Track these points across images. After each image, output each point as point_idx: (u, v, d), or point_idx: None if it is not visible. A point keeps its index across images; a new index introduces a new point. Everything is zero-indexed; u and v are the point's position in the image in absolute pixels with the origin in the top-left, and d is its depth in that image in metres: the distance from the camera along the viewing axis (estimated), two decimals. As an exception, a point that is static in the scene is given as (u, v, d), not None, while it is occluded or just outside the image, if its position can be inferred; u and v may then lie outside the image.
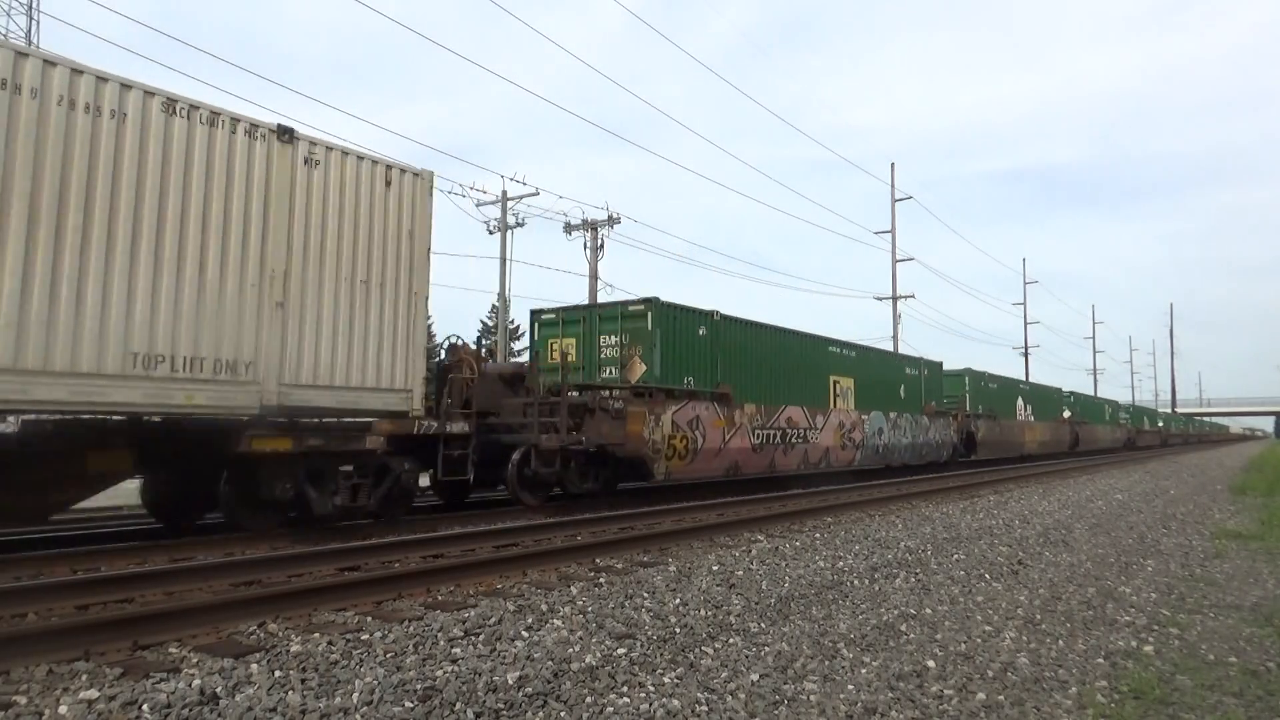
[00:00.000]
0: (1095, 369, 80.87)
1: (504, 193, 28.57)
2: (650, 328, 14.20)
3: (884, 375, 21.83)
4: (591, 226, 28.46)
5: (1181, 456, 43.39)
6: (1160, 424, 71.75)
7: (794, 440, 17.04)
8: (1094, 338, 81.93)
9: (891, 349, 34.57)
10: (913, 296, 37.99)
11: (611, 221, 28.42)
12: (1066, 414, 39.81)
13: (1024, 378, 35.03)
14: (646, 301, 14.42)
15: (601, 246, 28.38)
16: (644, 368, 14.11)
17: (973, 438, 27.23)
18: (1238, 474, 25.51)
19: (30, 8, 32.36)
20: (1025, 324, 57.96)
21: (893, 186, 38.45)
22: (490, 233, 28.99)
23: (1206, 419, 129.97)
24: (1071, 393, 42.28)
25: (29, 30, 32.46)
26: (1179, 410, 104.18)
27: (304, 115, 29.23)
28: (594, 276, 28.13)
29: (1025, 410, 33.57)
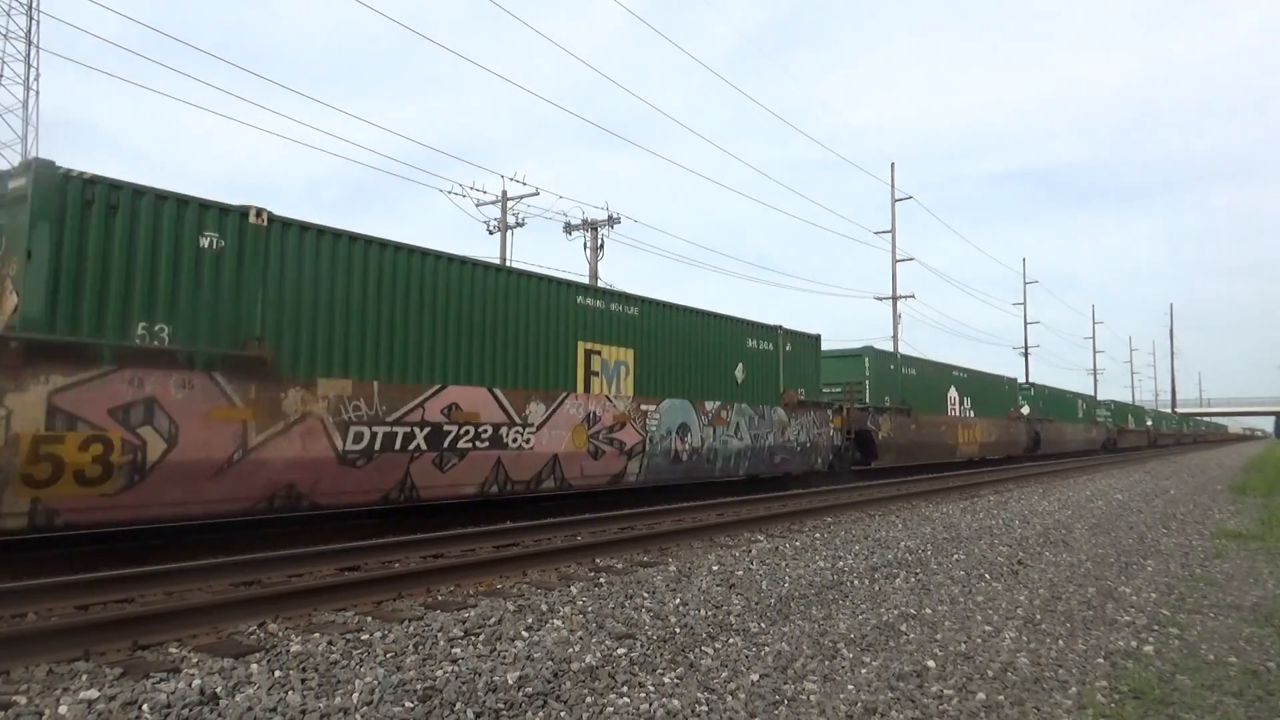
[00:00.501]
0: (1095, 369, 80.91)
1: (504, 193, 28.59)
2: (29, 221, 7.28)
3: (699, 347, 14.92)
4: (591, 226, 28.47)
5: (1181, 457, 43.36)
6: (1149, 423, 64.63)
7: (467, 443, 10.50)
8: (1094, 338, 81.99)
9: (891, 348, 33.50)
10: (913, 296, 37.93)
11: (611, 221, 28.43)
12: (1025, 409, 33.94)
13: (960, 365, 28.17)
14: (29, 166, 7.45)
15: (601, 246, 28.40)
16: (16, 299, 7.27)
17: (870, 439, 20.74)
18: (1238, 474, 25.51)
19: (30, 7, 32.37)
20: (1025, 324, 57.95)
21: (893, 186, 38.44)
22: (490, 233, 29.02)
23: (1205, 419, 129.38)
24: (1031, 384, 36.43)
25: (29, 30, 32.48)
26: (1179, 410, 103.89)
27: (304, 115, 29.23)
28: (594, 276, 28.14)
29: (961, 404, 27.22)
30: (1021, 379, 34.50)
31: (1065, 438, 38.87)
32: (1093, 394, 57.23)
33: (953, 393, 26.77)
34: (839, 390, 20.65)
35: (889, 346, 34.93)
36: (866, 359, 22.00)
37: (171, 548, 8.39)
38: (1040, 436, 34.62)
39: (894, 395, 22.57)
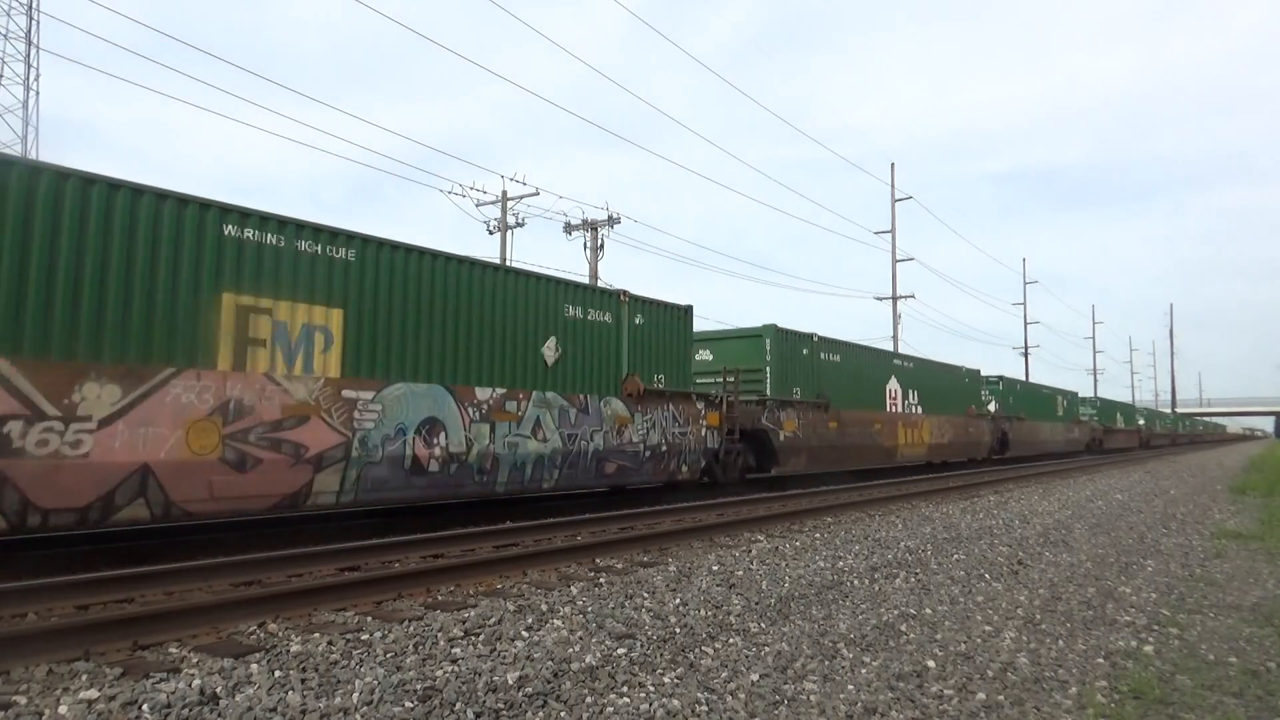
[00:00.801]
0: (1095, 369, 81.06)
1: (504, 193, 28.60)
2: None
3: (475, 313, 10.89)
4: (591, 226, 28.48)
5: (1181, 457, 43.34)
6: (1141, 422, 60.48)
7: None
8: (1094, 338, 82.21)
9: (892, 347, 32.64)
10: (913, 296, 37.99)
11: (611, 221, 28.45)
12: (991, 406, 30.22)
13: (906, 354, 24.49)
14: None
15: (601, 246, 28.41)
16: None
17: (766, 441, 16.64)
18: (1237, 474, 25.52)
19: (30, 8, 32.40)
20: (1025, 324, 58.02)
21: (893, 186, 38.46)
22: (490, 233, 29.04)
23: (1204, 419, 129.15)
24: (1000, 378, 31.55)
25: (29, 30, 32.52)
26: (1179, 410, 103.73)
27: (304, 115, 29.24)
28: (594, 276, 28.14)
29: (905, 398, 23.09)
30: (987, 373, 30.94)
31: (1040, 438, 34.91)
32: (1092, 393, 57.02)
33: (893, 385, 22.61)
34: (709, 383, 16.85)
35: (889, 346, 34.57)
36: (767, 340, 17.63)
37: (171, 548, 8.40)
38: (1008, 437, 30.77)
39: (808, 386, 18.55)
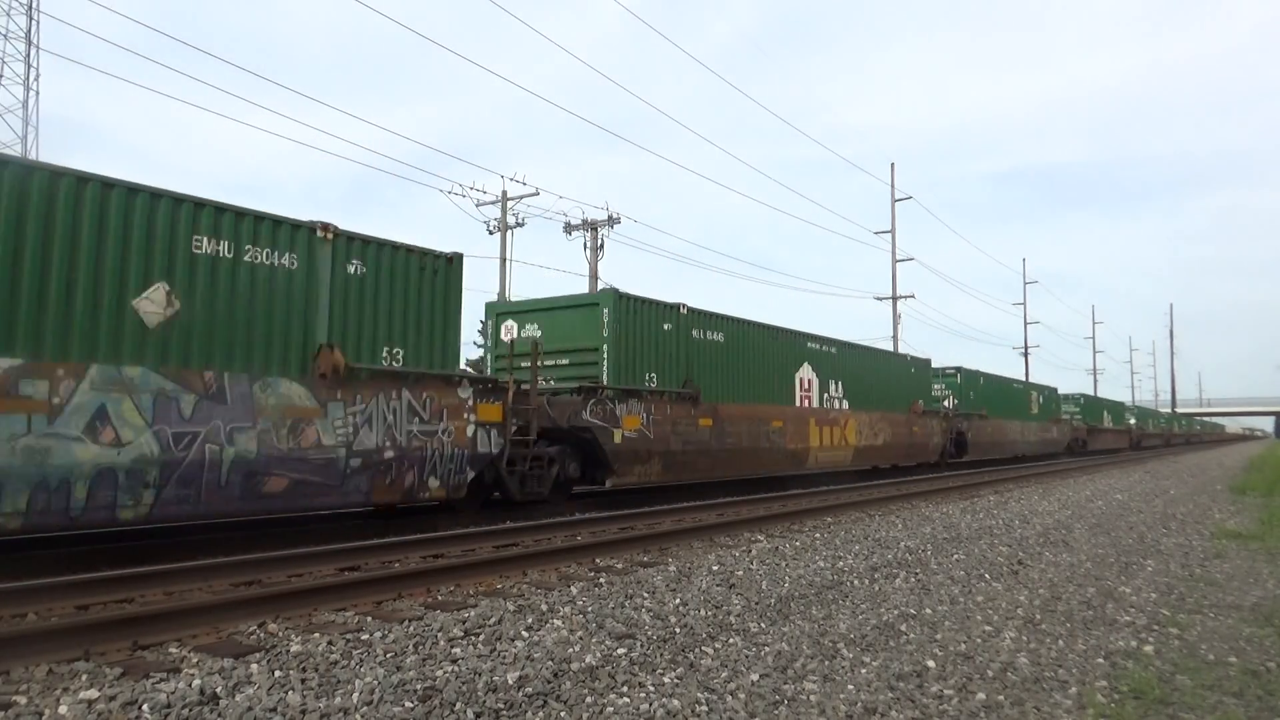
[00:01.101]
0: (1095, 369, 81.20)
1: (504, 193, 28.62)
2: None
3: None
4: (591, 226, 28.50)
5: (1181, 457, 43.32)
6: (1132, 421, 56.81)
7: None
8: (1094, 338, 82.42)
9: (892, 347, 32.03)
10: (912, 296, 38.08)
11: (611, 221, 28.48)
12: (948, 402, 26.28)
13: (826, 336, 19.67)
14: None
15: (601, 246, 28.43)
16: None
17: (597, 446, 12.79)
18: (1237, 474, 25.51)
19: (30, 7, 32.42)
20: (1025, 324, 58.09)
21: (893, 186, 38.48)
22: (490, 233, 29.07)
23: (1204, 418, 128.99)
24: (958, 369, 27.14)
25: (29, 30, 32.55)
26: (1180, 410, 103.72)
27: (304, 115, 29.32)
28: (594, 277, 28.17)
29: (824, 390, 18.94)
30: (940, 365, 26.80)
31: (1007, 439, 30.15)
32: (1092, 392, 56.85)
33: (806, 373, 18.35)
34: (511, 367, 12.01)
35: (889, 346, 34.16)
36: (605, 310, 13.52)
37: (171, 548, 8.40)
38: (966, 438, 26.20)
39: (672, 371, 14.50)
